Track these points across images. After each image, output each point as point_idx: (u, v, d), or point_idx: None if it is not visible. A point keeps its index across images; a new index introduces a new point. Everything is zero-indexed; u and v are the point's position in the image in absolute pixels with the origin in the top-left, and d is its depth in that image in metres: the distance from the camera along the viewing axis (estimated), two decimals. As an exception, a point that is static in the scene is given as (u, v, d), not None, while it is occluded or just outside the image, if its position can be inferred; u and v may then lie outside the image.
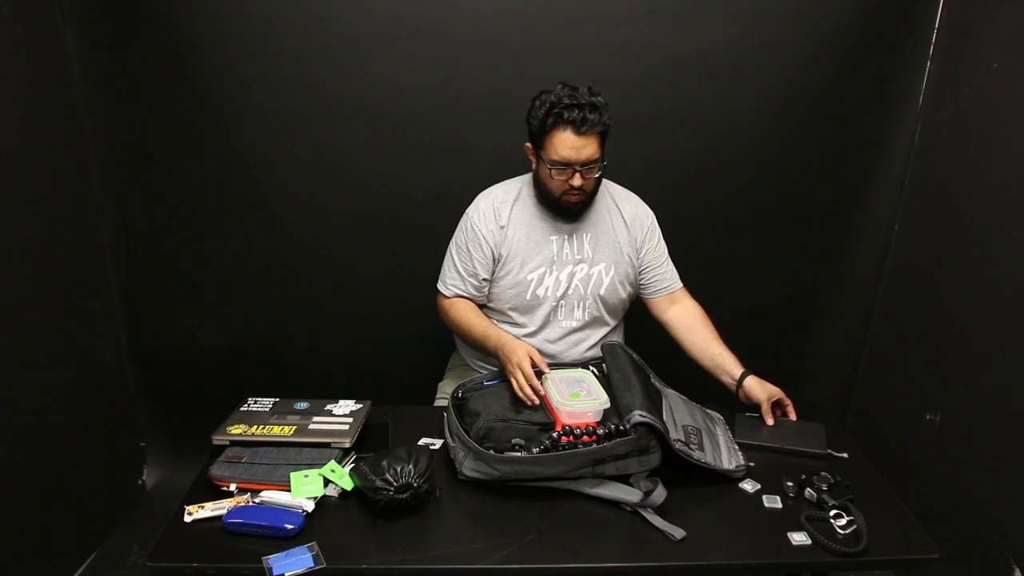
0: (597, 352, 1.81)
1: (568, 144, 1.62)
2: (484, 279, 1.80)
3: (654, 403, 1.52)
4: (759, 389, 1.70)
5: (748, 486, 1.46)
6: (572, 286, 1.79)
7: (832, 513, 1.36)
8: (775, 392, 1.71)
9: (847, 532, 1.32)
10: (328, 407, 1.61)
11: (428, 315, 2.17)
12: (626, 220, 1.84)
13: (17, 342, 1.84)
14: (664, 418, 1.49)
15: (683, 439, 1.48)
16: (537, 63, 2.08)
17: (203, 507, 1.34)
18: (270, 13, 2.04)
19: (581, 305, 1.81)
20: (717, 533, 1.33)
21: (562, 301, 1.80)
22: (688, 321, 1.86)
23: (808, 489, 1.42)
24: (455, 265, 1.81)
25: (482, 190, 1.86)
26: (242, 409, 1.60)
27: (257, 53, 2.08)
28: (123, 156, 2.21)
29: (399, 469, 1.32)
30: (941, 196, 2.09)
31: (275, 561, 1.22)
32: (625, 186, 1.93)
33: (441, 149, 2.19)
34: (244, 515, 1.31)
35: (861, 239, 2.38)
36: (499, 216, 1.77)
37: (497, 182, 1.88)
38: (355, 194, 2.25)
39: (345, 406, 1.62)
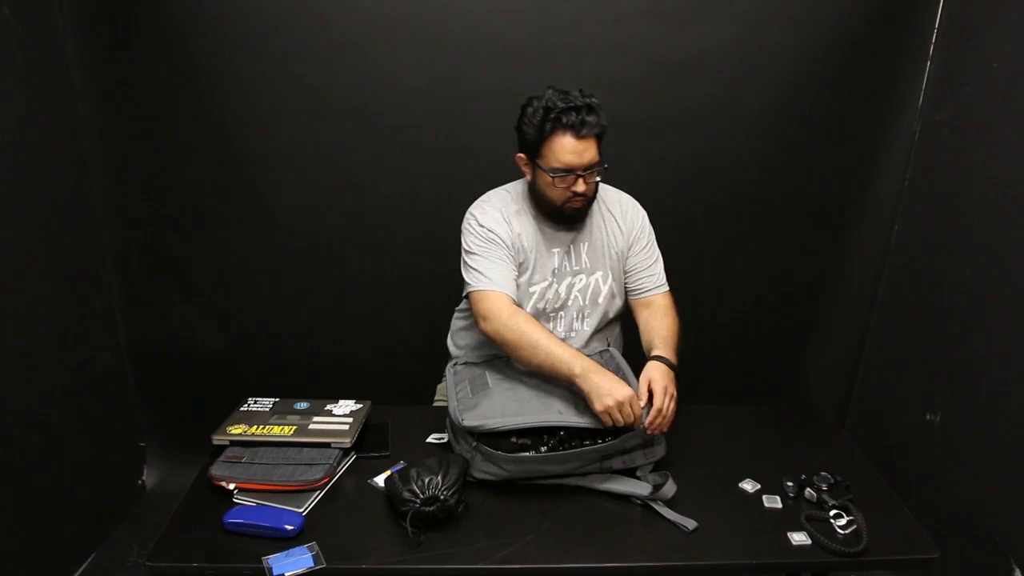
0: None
1: (569, 149, 1.55)
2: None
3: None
4: (651, 372, 1.52)
5: (748, 486, 1.46)
6: (571, 297, 1.75)
7: (832, 513, 1.36)
8: (659, 384, 1.48)
9: (847, 532, 1.32)
10: (328, 407, 1.61)
11: (428, 314, 2.17)
12: (618, 221, 1.77)
13: (17, 342, 1.84)
14: None
15: None
16: (537, 63, 2.08)
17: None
18: (270, 13, 2.04)
19: (580, 315, 1.77)
20: (717, 533, 1.33)
21: (561, 312, 1.76)
22: (648, 314, 1.75)
23: (808, 489, 1.42)
24: (489, 260, 1.64)
25: (482, 190, 1.84)
26: (242, 409, 1.60)
27: (257, 53, 2.08)
28: (123, 156, 2.21)
29: (427, 481, 1.29)
30: (941, 196, 2.09)
31: (275, 561, 1.22)
32: (625, 186, 1.89)
33: (441, 149, 2.19)
34: (244, 515, 1.31)
35: (861, 239, 2.38)
36: (511, 224, 1.69)
37: (497, 182, 1.82)
38: (355, 194, 2.25)
39: (345, 406, 1.62)
